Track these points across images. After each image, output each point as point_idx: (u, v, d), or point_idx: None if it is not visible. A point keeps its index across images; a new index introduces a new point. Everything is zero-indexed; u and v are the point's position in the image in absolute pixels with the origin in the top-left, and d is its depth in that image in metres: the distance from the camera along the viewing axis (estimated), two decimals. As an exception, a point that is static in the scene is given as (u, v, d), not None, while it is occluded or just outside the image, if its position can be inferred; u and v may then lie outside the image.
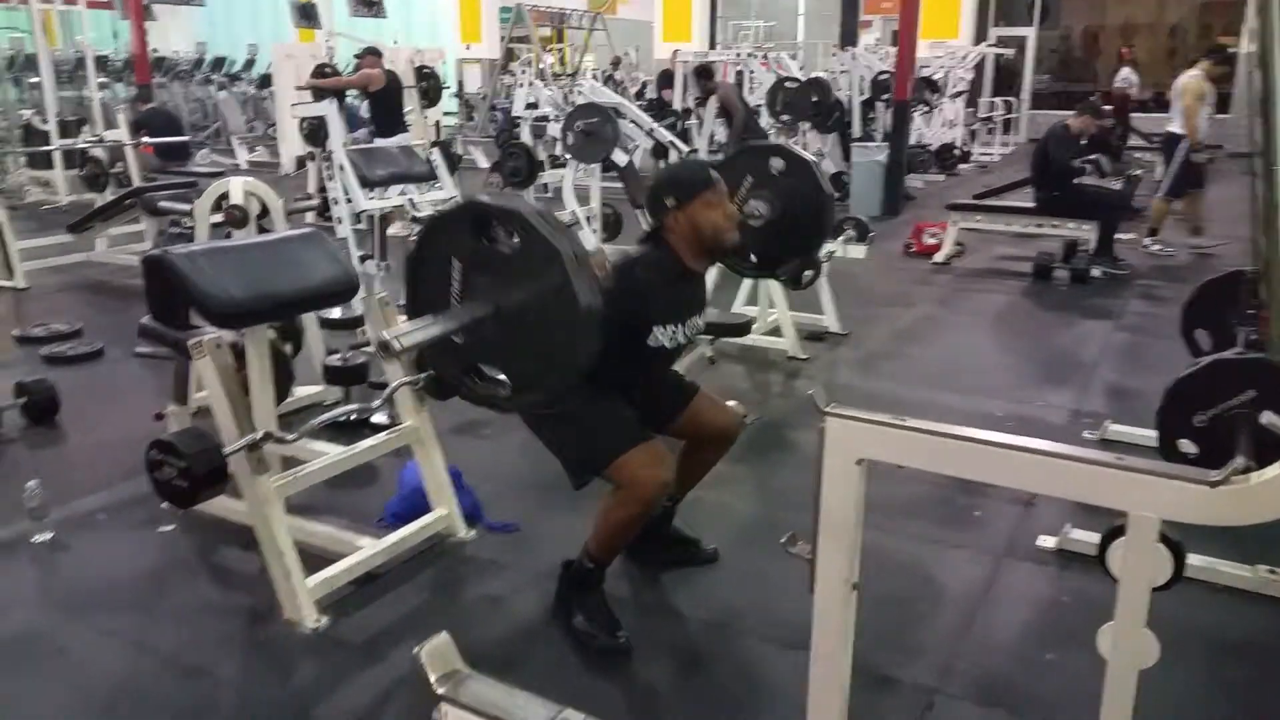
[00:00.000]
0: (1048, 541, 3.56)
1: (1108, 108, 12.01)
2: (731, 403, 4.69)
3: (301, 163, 12.11)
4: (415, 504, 3.59)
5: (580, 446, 2.92)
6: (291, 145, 13.22)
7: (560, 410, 2.86)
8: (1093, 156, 8.26)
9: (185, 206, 6.90)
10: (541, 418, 2.95)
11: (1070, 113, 8.39)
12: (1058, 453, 1.94)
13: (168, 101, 17.75)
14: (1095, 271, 7.91)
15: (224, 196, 4.87)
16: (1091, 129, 8.26)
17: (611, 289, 2.70)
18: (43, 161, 11.44)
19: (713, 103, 10.65)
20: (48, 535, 3.53)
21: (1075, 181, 8.05)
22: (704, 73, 11.41)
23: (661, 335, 2.95)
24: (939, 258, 8.69)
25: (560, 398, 2.62)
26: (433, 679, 2.48)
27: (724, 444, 3.32)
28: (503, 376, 2.52)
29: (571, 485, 2.95)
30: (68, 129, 11.45)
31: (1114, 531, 1.98)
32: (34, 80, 12.80)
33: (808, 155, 4.06)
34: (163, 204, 7.73)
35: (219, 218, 4.92)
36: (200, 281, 2.99)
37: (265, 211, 4.94)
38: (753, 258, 4.23)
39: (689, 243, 2.98)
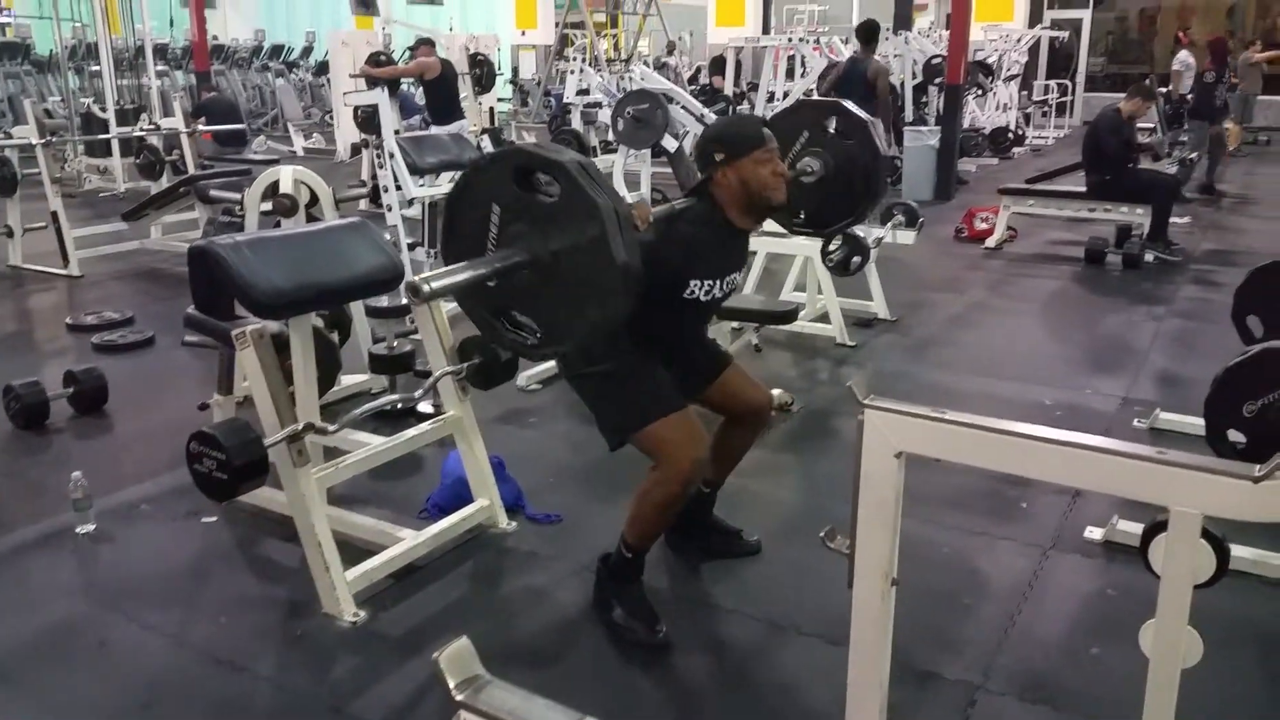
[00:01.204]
0: (1095, 533, 3.51)
1: (1164, 89, 11.81)
2: (777, 390, 4.71)
3: (356, 149, 12.22)
4: (457, 494, 3.60)
5: (616, 409, 2.91)
6: (347, 132, 13.32)
7: (600, 369, 2.87)
8: (1146, 140, 8.13)
9: (235, 196, 6.97)
10: (583, 376, 2.94)
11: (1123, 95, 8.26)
12: (1097, 446, 1.90)
13: (225, 89, 17.96)
14: (1148, 256, 7.79)
15: (274, 185, 4.90)
16: (1143, 112, 8.10)
17: (653, 239, 2.69)
18: (101, 149, 11.60)
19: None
20: (91, 526, 3.56)
21: (1129, 165, 7.92)
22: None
23: (698, 289, 2.91)
24: (990, 243, 8.59)
25: (587, 351, 2.61)
26: (451, 685, 2.43)
27: (757, 423, 3.28)
28: (533, 324, 2.51)
29: (608, 446, 2.94)
30: (126, 117, 11.60)
31: (1156, 526, 1.94)
32: (95, 69, 12.97)
33: (865, 115, 3.98)
34: (214, 193, 7.81)
35: (269, 206, 4.95)
36: (244, 271, 3.00)
37: (315, 200, 4.97)
38: (801, 214, 4.17)
39: (735, 199, 2.93)
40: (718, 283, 2.96)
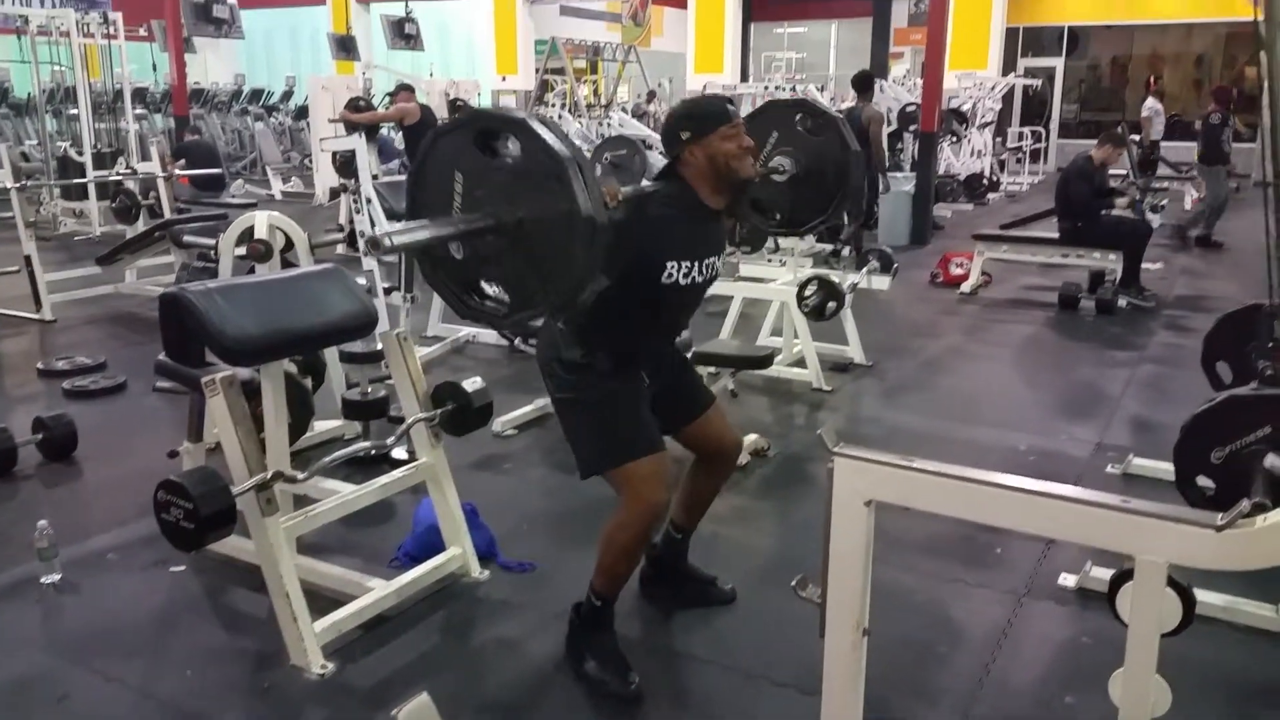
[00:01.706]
0: (1069, 580, 3.51)
1: (1135, 136, 11.97)
2: (753, 436, 4.71)
3: (335, 194, 12.21)
4: (429, 543, 3.57)
5: (594, 442, 2.89)
6: (326, 176, 13.34)
7: (585, 397, 2.87)
8: (1121, 186, 8.23)
9: (209, 241, 6.95)
10: (567, 403, 2.93)
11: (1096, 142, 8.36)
12: (1064, 495, 1.91)
13: (205, 133, 17.98)
14: (1121, 302, 7.85)
15: (249, 230, 4.90)
16: (1114, 159, 8.19)
17: (623, 223, 2.66)
18: (77, 193, 11.59)
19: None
20: (56, 576, 3.50)
21: (1100, 211, 8.01)
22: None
23: (676, 272, 2.84)
24: (965, 288, 8.64)
25: (561, 311, 2.56)
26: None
27: (726, 467, 3.27)
28: (502, 293, 2.48)
29: (579, 473, 2.94)
30: (103, 160, 11.59)
31: (1123, 575, 1.95)
32: (73, 112, 12.99)
33: (833, 110, 4.00)
34: (188, 238, 7.79)
35: (243, 251, 4.94)
36: (215, 318, 2.99)
37: (290, 245, 4.96)
38: (777, 215, 4.18)
39: (705, 177, 2.88)
40: (695, 265, 2.89)
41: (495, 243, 2.43)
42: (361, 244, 2.31)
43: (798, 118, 3.97)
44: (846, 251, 8.19)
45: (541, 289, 2.43)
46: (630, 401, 2.90)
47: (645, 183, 3.01)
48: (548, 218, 2.35)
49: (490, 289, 2.52)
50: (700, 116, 2.89)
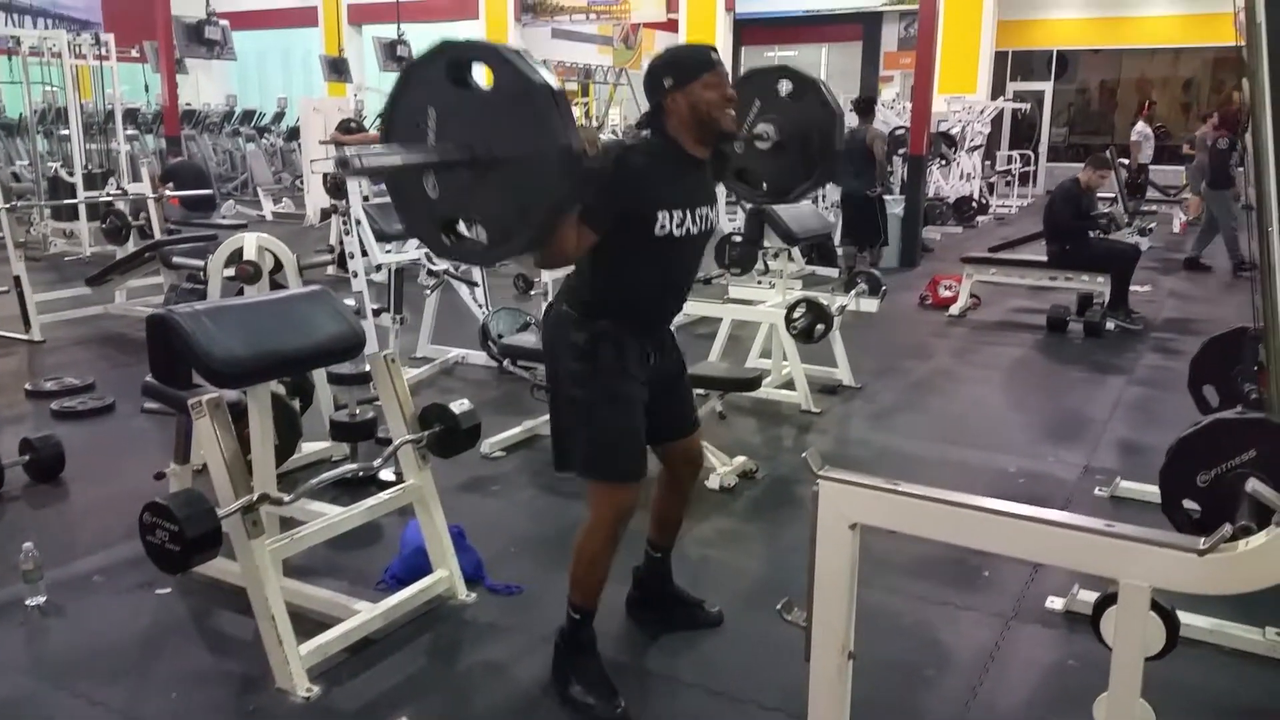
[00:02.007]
0: (1056, 603, 3.51)
1: (1124, 160, 12.05)
2: (741, 458, 4.72)
3: (326, 215, 12.22)
4: (416, 565, 3.56)
5: (583, 447, 2.88)
6: (317, 197, 13.35)
7: (585, 395, 2.85)
8: (1107, 210, 8.27)
9: (198, 262, 6.95)
10: (566, 395, 2.91)
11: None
12: (1047, 519, 1.92)
13: (196, 153, 18.00)
14: (1109, 325, 7.88)
15: (238, 252, 4.89)
16: (1099, 183, 8.23)
17: (608, 176, 2.66)
18: (68, 213, 11.58)
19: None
20: (41, 599, 3.48)
21: (1087, 234, 8.06)
22: None
23: (668, 222, 2.81)
24: (954, 310, 8.67)
25: (539, 243, 2.52)
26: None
27: (692, 477, 3.28)
28: (480, 232, 2.47)
29: (554, 463, 2.97)
30: (94, 181, 11.59)
31: (1107, 599, 1.95)
32: (65, 133, 12.99)
33: (813, 75, 4.01)
34: (177, 259, 7.78)
35: (232, 272, 4.93)
36: (201, 340, 2.99)
37: (279, 266, 4.96)
38: (764, 185, 4.17)
39: (686, 126, 2.85)
40: (688, 214, 2.86)
41: (470, 176, 2.41)
42: (335, 169, 2.26)
43: (779, 83, 3.97)
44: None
45: (518, 221, 2.40)
46: (628, 413, 2.89)
47: (626, 138, 3.00)
48: (522, 147, 2.33)
49: (468, 229, 2.50)
50: (683, 64, 2.86)
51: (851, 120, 10.08)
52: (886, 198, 11.60)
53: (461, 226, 2.53)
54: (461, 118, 2.41)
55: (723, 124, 2.88)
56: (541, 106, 2.29)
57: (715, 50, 2.92)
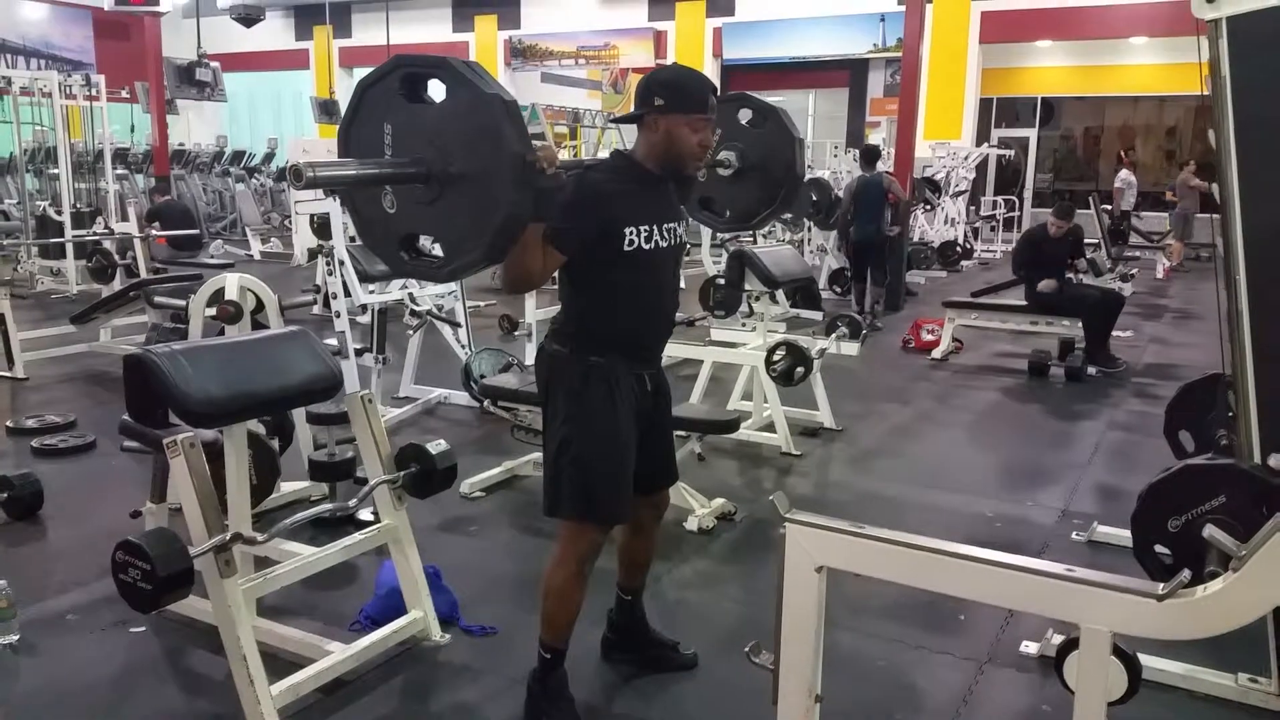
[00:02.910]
0: (1030, 648, 3.52)
1: (1107, 207, 12.16)
2: (719, 500, 4.72)
3: (313, 255, 12.23)
4: (391, 605, 3.55)
5: (566, 486, 2.88)
6: (304, 237, 13.37)
7: (574, 434, 2.86)
8: (1089, 255, 8.36)
9: (180, 302, 6.96)
10: (558, 439, 2.90)
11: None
12: (1010, 564, 1.94)
13: (185, 193, 18.05)
14: (1090, 370, 7.91)
15: (220, 292, 4.91)
16: (1060, 231, 8.27)
17: (568, 195, 2.67)
18: (55, 251, 11.60)
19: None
20: (14, 637, 3.46)
21: (1041, 279, 8.17)
22: None
23: (636, 237, 2.80)
24: (936, 354, 8.71)
25: (494, 256, 2.50)
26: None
27: (656, 521, 3.29)
28: (436, 248, 2.49)
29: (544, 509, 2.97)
30: (81, 219, 11.63)
31: (1069, 644, 1.97)
32: (54, 172, 13.04)
33: (771, 103, 4.06)
34: (159, 299, 7.80)
35: (213, 312, 4.95)
36: (178, 381, 2.99)
37: (261, 306, 4.98)
38: (727, 213, 4.18)
39: (654, 150, 2.86)
40: (655, 229, 2.85)
41: (425, 191, 2.43)
42: (289, 178, 2.29)
43: (739, 111, 4.00)
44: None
45: (473, 233, 2.41)
46: (617, 456, 2.89)
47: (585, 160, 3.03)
48: (476, 158, 2.34)
49: (426, 244, 2.53)
50: (680, 92, 2.84)
51: (854, 167, 10.40)
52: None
53: (422, 243, 2.56)
54: (416, 132, 2.44)
55: (687, 170, 2.92)
56: (493, 117, 2.31)
57: (716, 94, 2.90)
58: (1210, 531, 2.26)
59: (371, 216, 2.56)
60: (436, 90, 2.49)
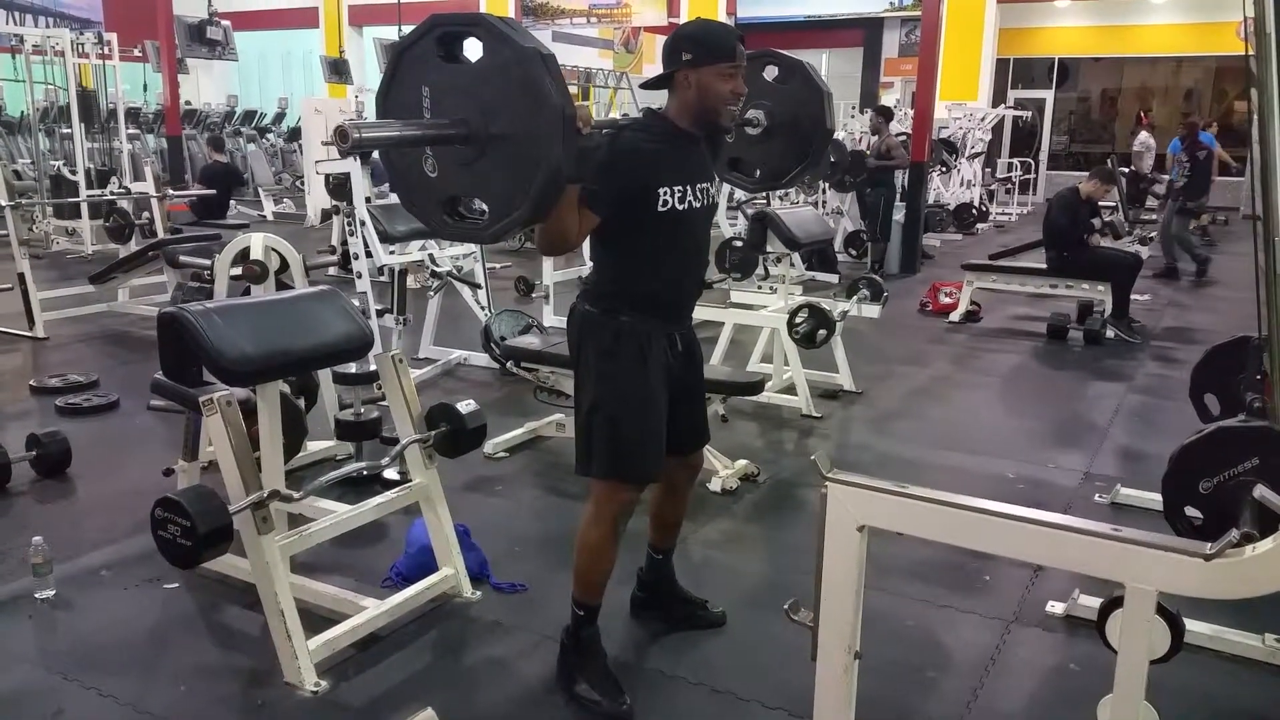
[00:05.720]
0: (1056, 607, 3.53)
1: (1125, 170, 12.09)
2: (742, 461, 4.74)
3: (327, 215, 12.25)
4: (422, 563, 3.59)
5: (597, 444, 2.89)
6: (318, 198, 13.38)
7: (607, 395, 2.87)
8: (1108, 219, 8.31)
9: (204, 262, 6.97)
10: (588, 399, 2.91)
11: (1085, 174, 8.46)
12: (1056, 523, 1.94)
13: (197, 153, 17.99)
14: (1109, 333, 7.90)
15: (244, 251, 4.91)
16: (1102, 195, 8.27)
17: (603, 156, 2.67)
18: (70, 211, 11.60)
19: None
20: (50, 592, 3.51)
21: (1089, 243, 8.11)
22: None
23: (670, 198, 2.80)
24: (954, 317, 8.70)
25: (541, 213, 2.48)
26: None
27: (690, 482, 3.32)
28: (480, 206, 2.48)
29: (575, 468, 2.99)
30: (97, 179, 11.61)
31: (1112, 602, 1.98)
32: (66, 131, 13.01)
33: (797, 58, 4.01)
34: (183, 258, 7.80)
35: (238, 271, 4.96)
36: (213, 339, 3.01)
37: (285, 266, 4.98)
38: (758, 172, 4.15)
39: (687, 106, 2.84)
40: (688, 189, 2.85)
41: (467, 151, 2.41)
42: (334, 141, 2.26)
43: (765, 69, 3.96)
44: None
45: (518, 192, 2.39)
46: (649, 415, 2.90)
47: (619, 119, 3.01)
48: (517, 116, 2.32)
49: (469, 207, 2.51)
50: (706, 44, 2.81)
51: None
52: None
53: (463, 207, 2.55)
54: (455, 93, 2.42)
55: (722, 120, 2.89)
56: (533, 72, 2.29)
57: (742, 39, 2.85)
58: (1262, 492, 2.26)
59: (413, 182, 2.55)
60: (472, 52, 2.47)
